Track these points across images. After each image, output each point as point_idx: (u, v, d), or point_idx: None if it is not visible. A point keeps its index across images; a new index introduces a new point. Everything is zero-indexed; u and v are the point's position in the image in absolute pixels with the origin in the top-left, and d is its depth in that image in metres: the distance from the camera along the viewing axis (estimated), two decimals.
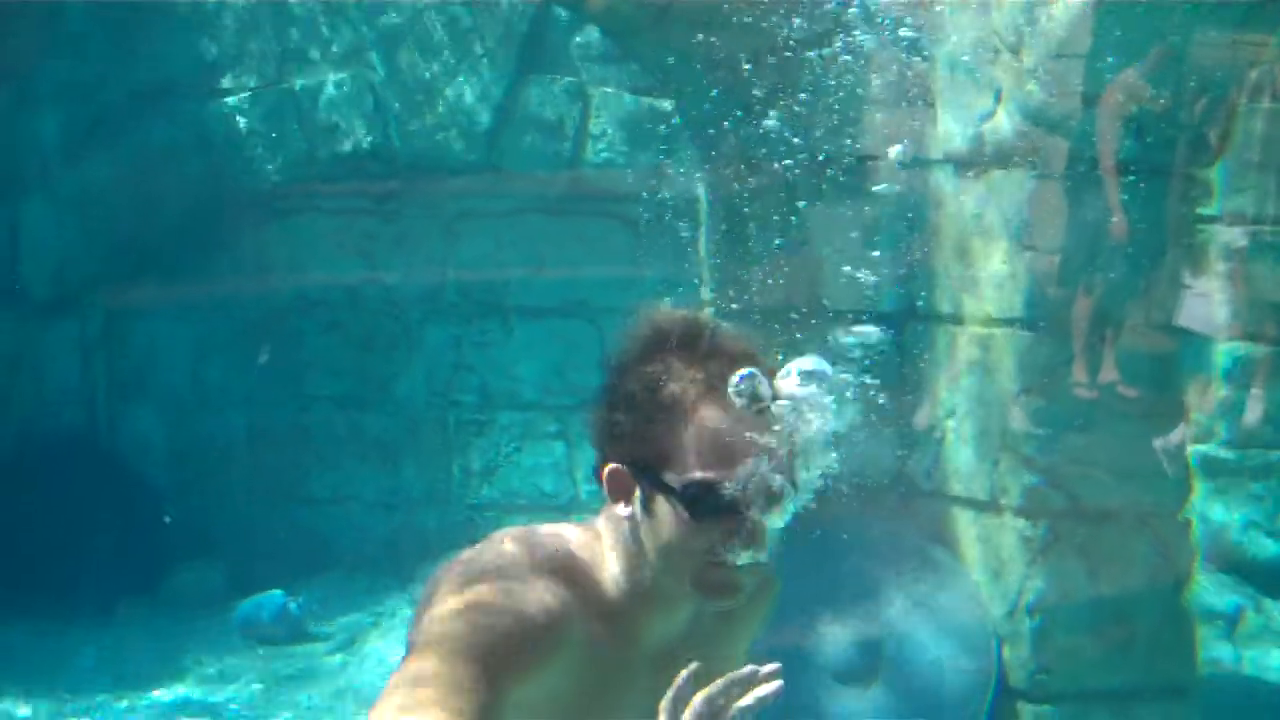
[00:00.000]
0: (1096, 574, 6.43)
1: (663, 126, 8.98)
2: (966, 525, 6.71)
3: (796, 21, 6.64)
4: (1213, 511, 8.09)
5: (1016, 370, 6.41)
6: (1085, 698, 6.40)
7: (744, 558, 2.12)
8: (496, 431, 9.06)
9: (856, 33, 6.60)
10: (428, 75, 9.35)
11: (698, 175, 7.25)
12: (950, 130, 6.63)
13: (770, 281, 6.79)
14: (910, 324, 6.89)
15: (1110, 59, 6.24)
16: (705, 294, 7.30)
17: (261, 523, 9.23)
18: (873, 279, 6.86)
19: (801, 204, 6.80)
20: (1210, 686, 6.88)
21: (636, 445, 2.15)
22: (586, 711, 2.20)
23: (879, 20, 6.70)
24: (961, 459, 6.70)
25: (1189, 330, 7.62)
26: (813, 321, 6.86)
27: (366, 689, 7.52)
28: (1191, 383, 7.64)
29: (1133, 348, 6.56)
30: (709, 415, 2.11)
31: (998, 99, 6.39)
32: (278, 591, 8.62)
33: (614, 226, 8.73)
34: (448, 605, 2.09)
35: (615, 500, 2.18)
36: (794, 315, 6.83)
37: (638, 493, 2.16)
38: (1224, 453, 8.21)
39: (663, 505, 2.13)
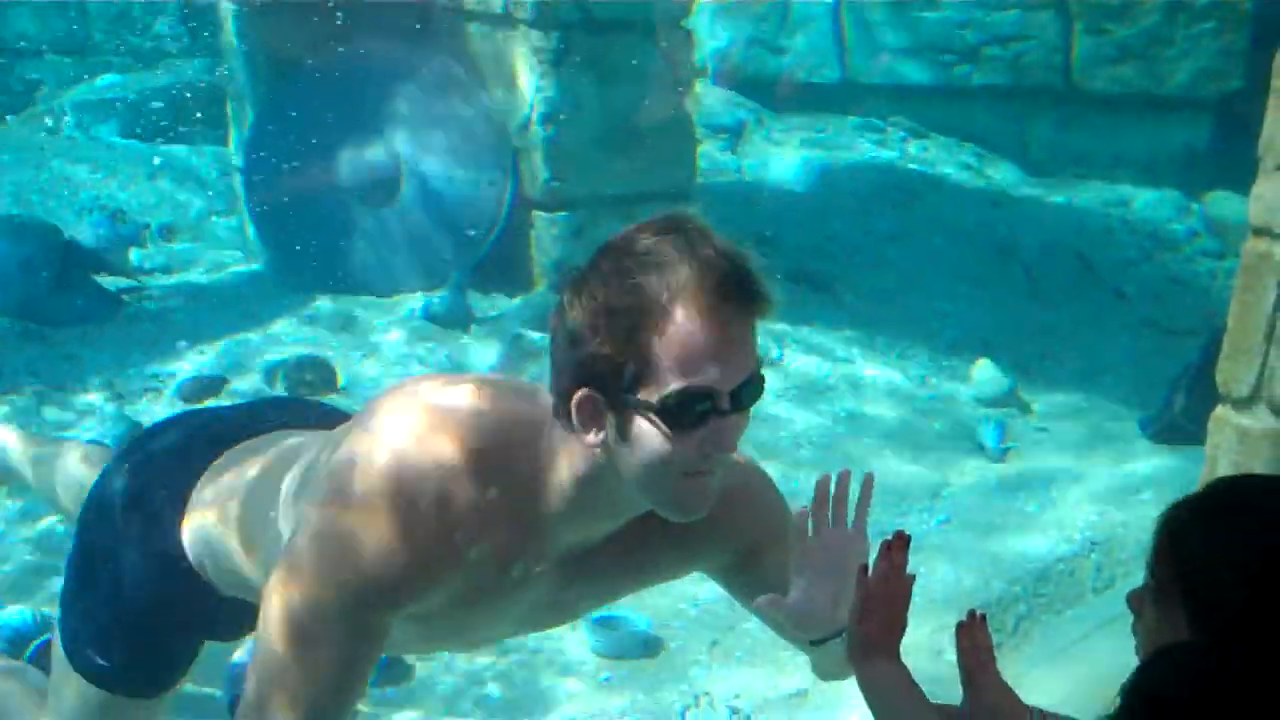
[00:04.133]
0: (605, 85, 6.65)
1: None
2: (482, 40, 6.75)
3: None
4: (720, 30, 8.39)
5: None
6: (594, 203, 6.68)
7: (724, 461, 2.00)
8: None
9: None
10: None
11: None
12: None
13: None
14: None
15: None
16: None
17: None
18: None
19: None
20: (711, 192, 7.33)
21: (611, 370, 1.93)
22: (474, 611, 2.17)
23: None
24: None
25: None
26: None
27: None
28: None
29: None
30: (682, 315, 1.90)
31: None
32: None
33: None
34: (338, 528, 2.07)
35: (585, 430, 1.99)
36: None
37: (610, 418, 1.97)
38: None
39: (641, 425, 1.95)
